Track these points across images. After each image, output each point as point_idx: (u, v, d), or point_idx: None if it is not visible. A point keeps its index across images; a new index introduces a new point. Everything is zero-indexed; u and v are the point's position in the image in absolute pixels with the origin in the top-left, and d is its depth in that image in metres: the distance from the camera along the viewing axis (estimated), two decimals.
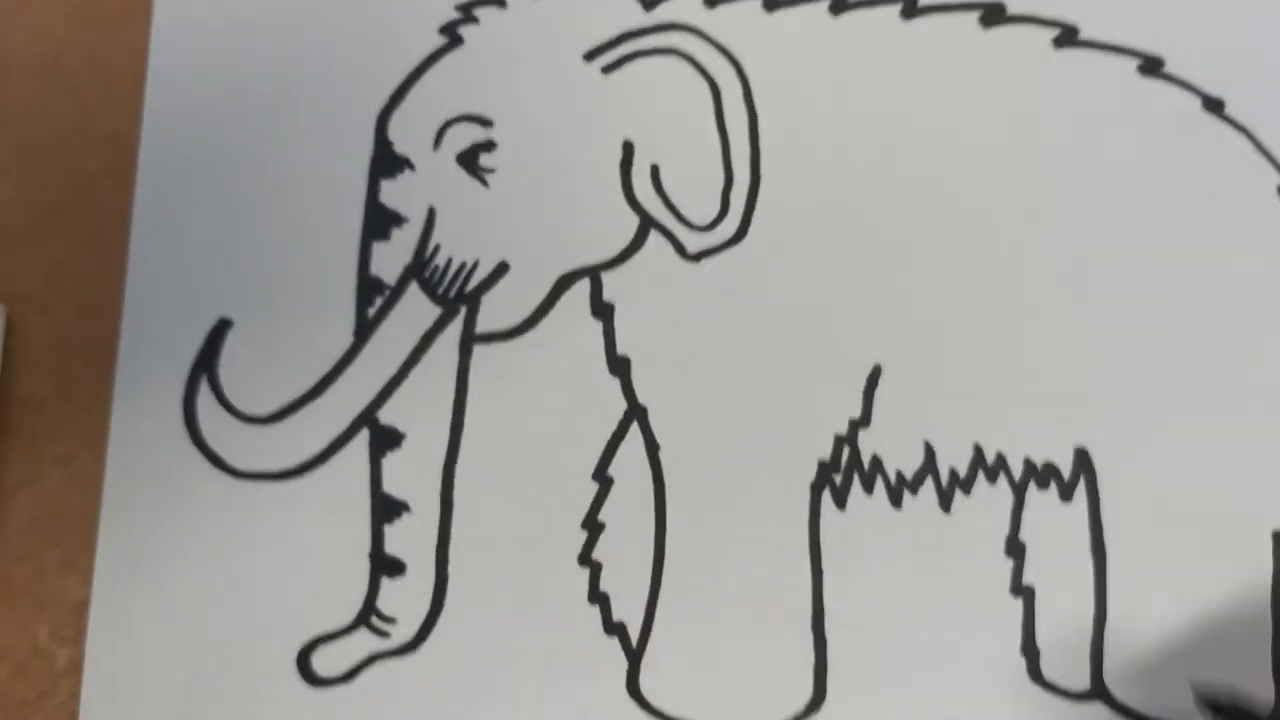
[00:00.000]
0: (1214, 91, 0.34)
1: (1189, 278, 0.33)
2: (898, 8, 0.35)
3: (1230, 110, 0.34)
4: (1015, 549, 0.31)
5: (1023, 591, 0.31)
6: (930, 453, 0.32)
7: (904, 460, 0.32)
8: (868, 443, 0.32)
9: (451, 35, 0.35)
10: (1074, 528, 0.31)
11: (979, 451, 0.32)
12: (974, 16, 0.35)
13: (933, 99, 0.34)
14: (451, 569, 0.31)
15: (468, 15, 0.35)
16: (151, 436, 0.32)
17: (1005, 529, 0.31)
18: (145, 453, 0.32)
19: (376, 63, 0.35)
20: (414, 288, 0.33)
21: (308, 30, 0.35)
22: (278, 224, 0.33)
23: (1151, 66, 0.34)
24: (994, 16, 0.35)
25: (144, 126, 0.34)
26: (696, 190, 0.33)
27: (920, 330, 0.32)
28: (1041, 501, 0.32)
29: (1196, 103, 0.34)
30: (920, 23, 0.35)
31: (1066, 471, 0.32)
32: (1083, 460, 0.32)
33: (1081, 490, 0.32)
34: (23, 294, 0.33)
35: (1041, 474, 0.32)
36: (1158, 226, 0.33)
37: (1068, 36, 0.35)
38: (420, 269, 0.33)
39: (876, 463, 0.32)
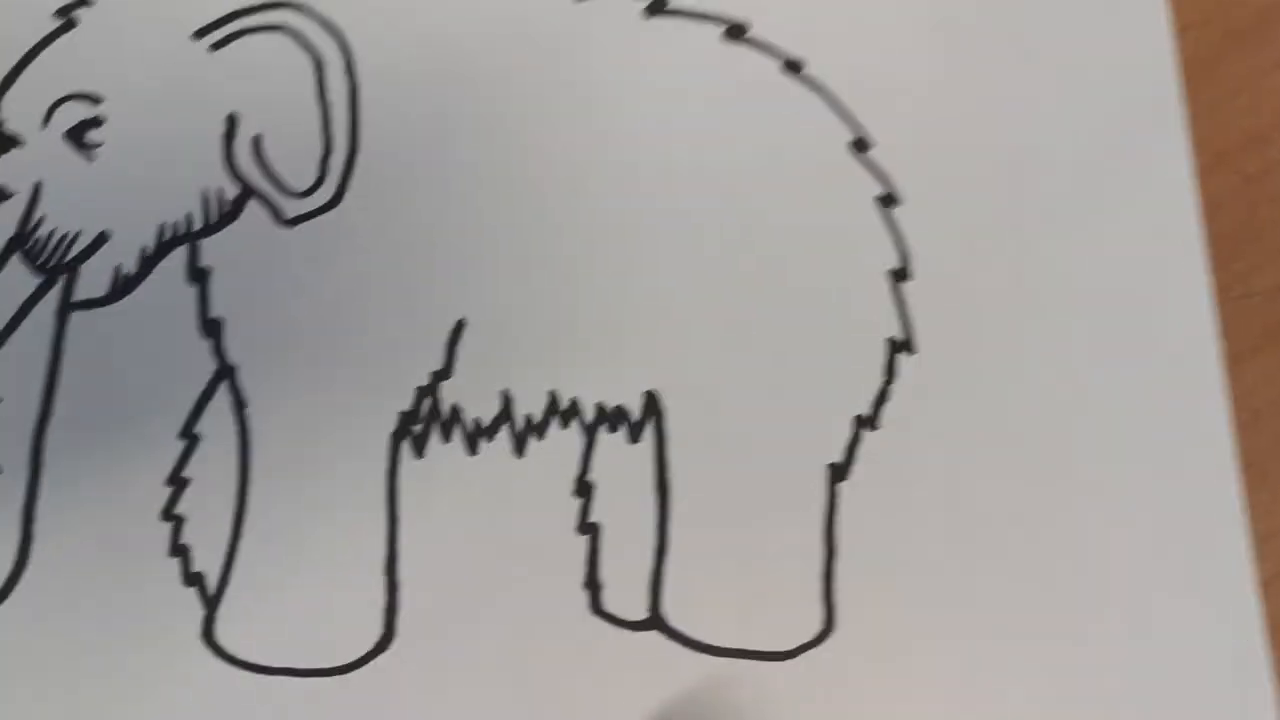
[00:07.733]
0: (797, 54, 0.36)
1: (765, 231, 0.35)
2: None
3: (808, 71, 0.36)
4: (583, 489, 0.33)
5: (588, 529, 0.33)
6: (508, 401, 0.33)
7: (483, 409, 0.33)
8: (449, 394, 0.33)
9: (66, 18, 0.36)
10: (641, 467, 0.33)
11: (553, 398, 0.33)
12: None
13: (525, 69, 0.36)
14: (37, 527, 0.32)
15: None
16: None
17: (575, 471, 0.33)
18: None
19: None
20: (16, 260, 0.34)
21: None
22: None
23: (736, 32, 0.36)
24: None
25: None
26: (296, 159, 0.35)
27: (501, 286, 0.34)
28: (611, 443, 0.33)
29: (776, 66, 0.36)
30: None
31: (637, 413, 0.33)
32: (652, 403, 0.33)
33: (650, 431, 0.33)
34: None
35: (612, 417, 0.33)
36: (733, 184, 0.35)
37: (658, 5, 0.36)
38: (23, 240, 0.34)
39: (456, 412, 0.33)
